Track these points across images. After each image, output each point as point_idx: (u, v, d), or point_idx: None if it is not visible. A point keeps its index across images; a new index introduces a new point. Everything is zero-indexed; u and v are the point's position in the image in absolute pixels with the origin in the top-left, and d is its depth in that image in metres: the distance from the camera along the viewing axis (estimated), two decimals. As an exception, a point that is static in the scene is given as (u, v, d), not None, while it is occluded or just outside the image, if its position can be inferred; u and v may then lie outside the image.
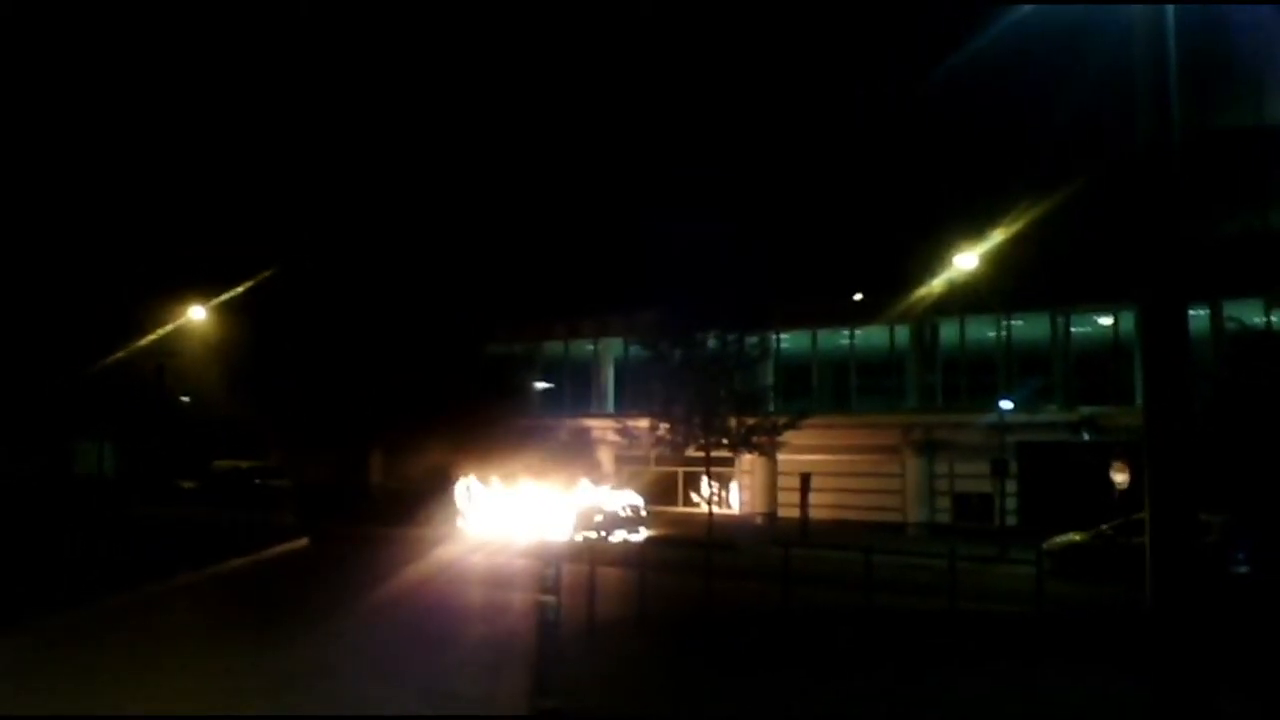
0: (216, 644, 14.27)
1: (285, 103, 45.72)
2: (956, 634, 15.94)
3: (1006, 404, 33.78)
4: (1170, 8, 6.18)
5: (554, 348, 49.51)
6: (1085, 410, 35.39)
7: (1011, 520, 33.96)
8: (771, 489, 42.32)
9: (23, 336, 41.64)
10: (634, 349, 41.79)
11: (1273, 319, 31.13)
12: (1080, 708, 11.51)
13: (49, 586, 16.29)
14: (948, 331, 40.43)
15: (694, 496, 42.93)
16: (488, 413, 38.26)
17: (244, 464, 44.56)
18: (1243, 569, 24.12)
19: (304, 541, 28.87)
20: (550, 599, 7.59)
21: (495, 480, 34.59)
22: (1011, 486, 35.29)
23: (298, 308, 44.77)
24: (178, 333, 43.49)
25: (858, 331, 42.65)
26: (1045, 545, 24.17)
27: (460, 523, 32.63)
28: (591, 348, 48.98)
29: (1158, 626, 5.38)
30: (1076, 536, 26.55)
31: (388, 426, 40.18)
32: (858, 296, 41.69)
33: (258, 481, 41.80)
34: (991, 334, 39.34)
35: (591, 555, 18.65)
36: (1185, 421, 5.75)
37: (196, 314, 42.23)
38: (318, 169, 46.05)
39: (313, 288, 45.37)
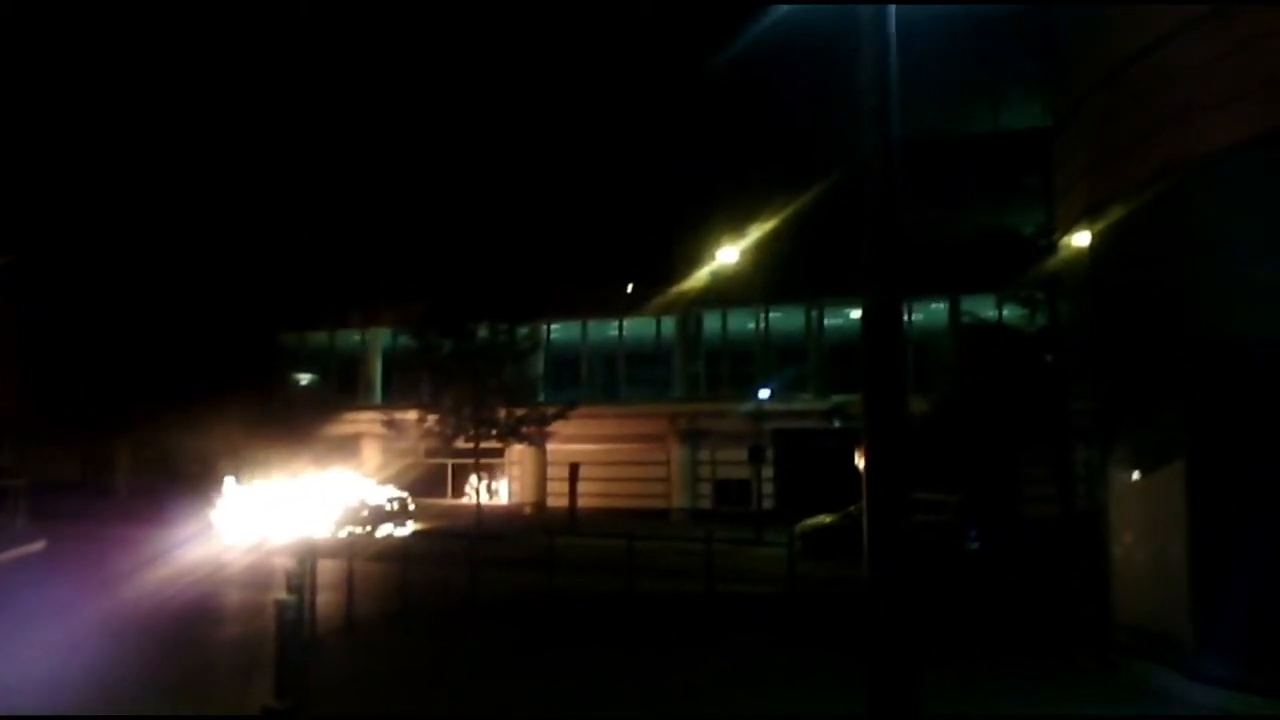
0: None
1: (36, 71, 42.30)
2: (709, 614, 16.50)
3: (764, 393, 35.20)
4: (892, 17, 6.56)
5: (320, 338, 48.05)
6: (836, 399, 37.24)
7: (769, 504, 35.42)
8: (541, 479, 42.55)
9: None
10: (402, 339, 41.13)
11: (1004, 313, 33.50)
12: (805, 675, 12.17)
13: None
14: (711, 323, 41.74)
15: (464, 489, 42.63)
16: (248, 405, 36.76)
17: (-30, 462, 41.13)
18: (974, 545, 26.04)
19: (40, 544, 26.93)
20: (290, 597, 7.40)
21: (254, 476, 33.28)
22: (768, 472, 36.81)
23: (37, 293, 41.65)
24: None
25: (626, 322, 43.40)
26: (797, 528, 25.34)
27: (216, 521, 31.20)
28: (359, 338, 47.81)
29: (871, 602, 5.77)
30: (826, 519, 27.98)
31: (135, 421, 37.97)
32: (628, 288, 42.43)
33: (-11, 482, 38.69)
34: (752, 325, 40.89)
35: (353, 551, 18.30)
36: (900, 405, 6.18)
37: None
38: (63, 144, 42.84)
39: (63, 263, 42.29)
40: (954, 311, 36.50)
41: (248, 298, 43.16)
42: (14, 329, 40.01)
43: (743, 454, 35.79)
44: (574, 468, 37.21)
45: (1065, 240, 17.63)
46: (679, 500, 40.36)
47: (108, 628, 15.04)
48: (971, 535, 26.36)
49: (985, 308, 34.25)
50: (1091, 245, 14.78)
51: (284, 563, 20.80)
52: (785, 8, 25.05)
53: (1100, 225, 14.21)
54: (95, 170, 42.77)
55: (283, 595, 7.30)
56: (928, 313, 37.04)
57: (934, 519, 25.19)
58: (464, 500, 41.19)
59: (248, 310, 43.12)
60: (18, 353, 40.05)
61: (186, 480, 35.44)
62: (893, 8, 6.56)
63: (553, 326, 43.64)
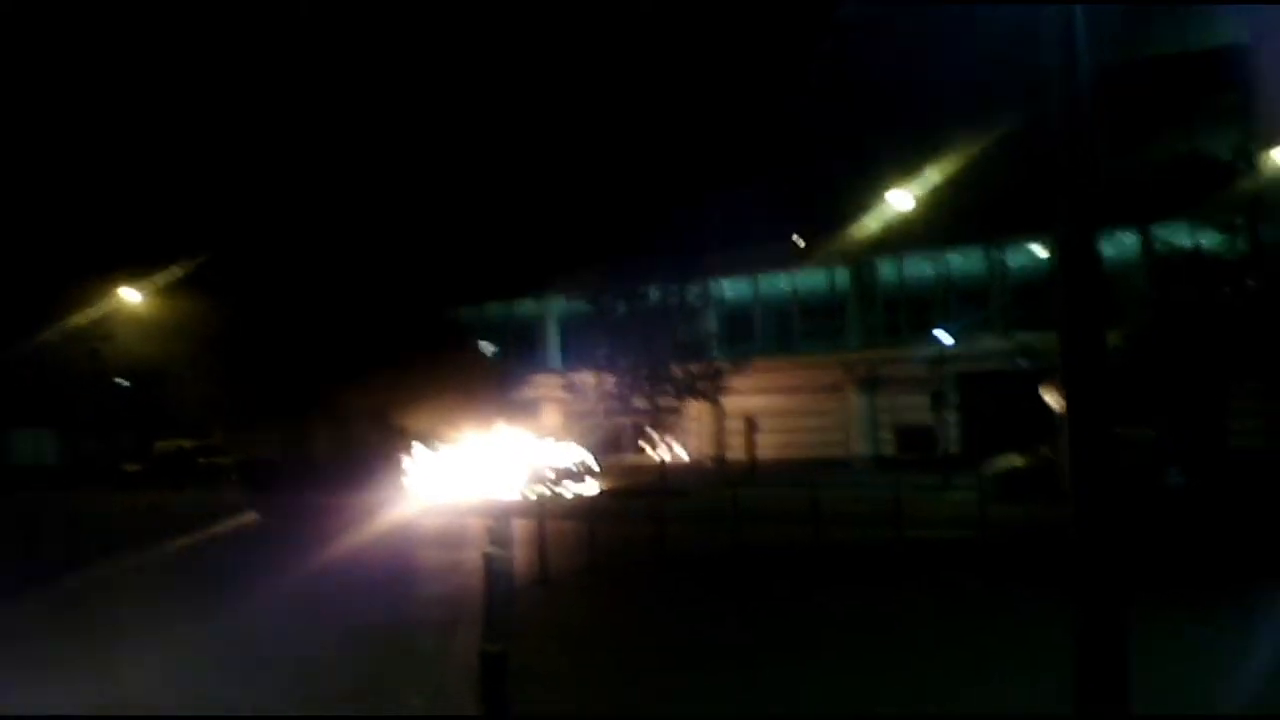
0: (171, 616, 14.23)
1: (221, 76, 44.67)
2: (901, 560, 16.31)
3: (944, 337, 34.33)
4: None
5: (497, 308, 49.30)
6: (1021, 337, 36.01)
7: (954, 449, 34.64)
8: (720, 433, 42.71)
9: None
10: (577, 304, 41.83)
11: (1199, 240, 31.76)
12: (1010, 621, 11.88)
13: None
14: (886, 270, 40.89)
15: (644, 446, 43.18)
16: (433, 376, 38.10)
17: (187, 444, 44.08)
18: (1177, 480, 24.83)
19: (251, 516, 28.71)
20: (498, 550, 7.72)
21: (443, 442, 34.57)
22: (952, 417, 35.97)
23: (233, 282, 44.11)
24: (112, 315, 42.71)
25: (798, 274, 42.95)
26: (986, 471, 24.72)
27: (409, 486, 32.58)
28: (534, 306, 48.87)
29: (1078, 543, 5.59)
30: (1015, 460, 27.15)
31: (331, 395, 39.90)
32: (797, 240, 41.94)
33: (202, 460, 41.44)
34: (929, 269, 39.86)
35: (541, 510, 18.82)
36: (1099, 342, 5.93)
37: (129, 295, 41.45)
38: (252, 141, 45.09)
39: (248, 261, 44.68)
40: (1146, 241, 34.68)
41: (427, 273, 44.56)
42: (214, 321, 42.55)
43: (924, 400, 35.08)
44: (751, 420, 37.22)
45: (1266, 160, 16.63)
46: (860, 448, 39.90)
47: (320, 587, 15.94)
48: (1173, 471, 25.15)
49: (1180, 236, 32.50)
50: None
51: (475, 523, 21.61)
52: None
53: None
54: (275, 164, 44.78)
55: (490, 549, 7.61)
56: (1117, 243, 35.33)
57: (1133, 455, 24.13)
58: (645, 457, 41.75)
59: (428, 285, 44.52)
60: (220, 342, 42.61)
61: (380, 449, 37.06)
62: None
63: (724, 283, 43.57)
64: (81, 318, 41.94)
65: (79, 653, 11.80)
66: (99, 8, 42.57)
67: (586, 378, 35.69)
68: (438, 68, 43.25)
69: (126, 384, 47.17)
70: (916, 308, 40.68)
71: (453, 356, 42.17)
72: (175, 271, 42.03)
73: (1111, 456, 5.98)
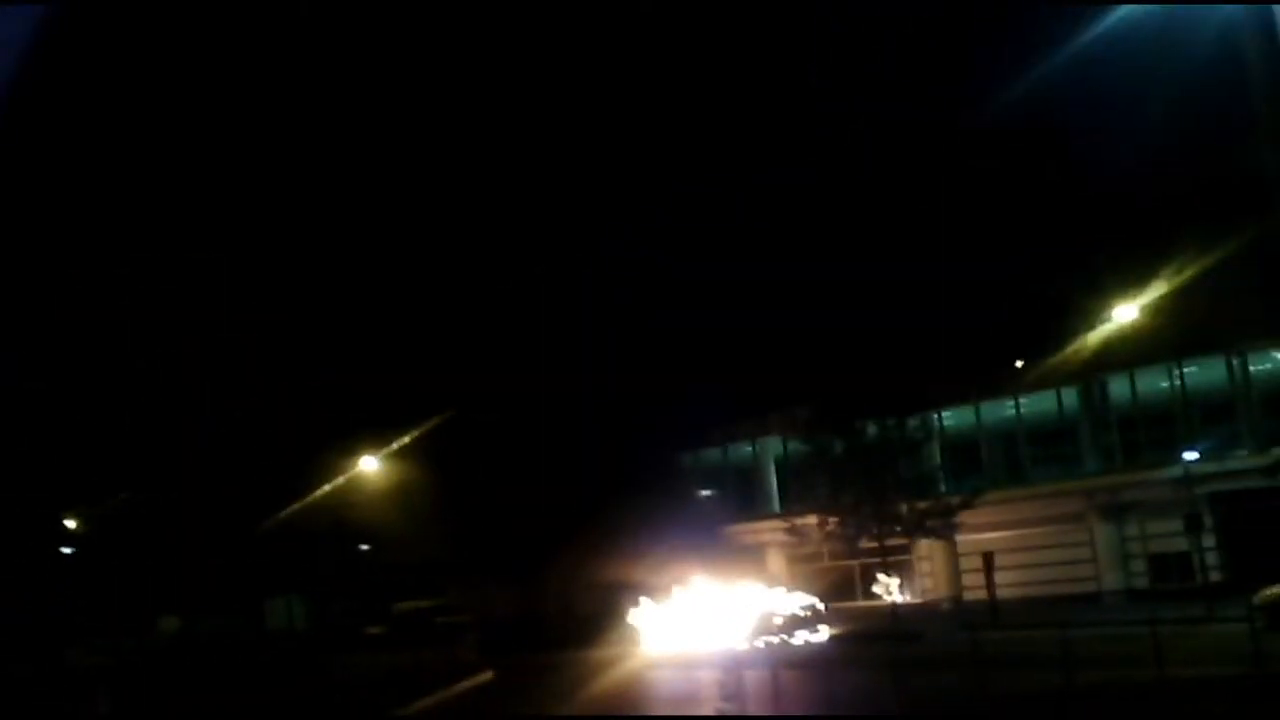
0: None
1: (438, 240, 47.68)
2: (1167, 703, 14.96)
3: (1192, 455, 32.13)
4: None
5: (713, 454, 49.40)
6: (1278, 451, 33.30)
7: (1215, 576, 31.97)
8: (954, 572, 40.90)
9: (206, 503, 43.83)
10: (794, 445, 41.45)
11: None
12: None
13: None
14: (1118, 387, 38.82)
15: (875, 589, 41.80)
16: (658, 526, 38.30)
17: (425, 604, 45.46)
18: None
19: (488, 675, 29.14)
20: (729, 706, 7.53)
21: (670, 593, 34.45)
22: (1210, 541, 33.29)
23: (467, 447, 45.96)
24: (352, 482, 45.07)
25: (1023, 399, 41.33)
26: (1256, 599, 22.66)
27: (639, 639, 32.49)
28: (751, 449, 48.71)
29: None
30: (1289, 587, 24.76)
31: (559, 552, 40.61)
32: (1019, 363, 40.56)
33: (439, 620, 42.56)
34: (1165, 384, 37.65)
35: (773, 659, 18.34)
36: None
37: (368, 463, 43.75)
38: (482, 309, 47.50)
39: (482, 425, 46.55)
40: None
41: (647, 422, 45.26)
42: (451, 481, 44.28)
43: (1176, 524, 32.61)
44: (988, 557, 35.47)
45: None
46: (1110, 581, 37.29)
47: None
48: None
49: None
50: None
51: (707, 675, 21.23)
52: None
53: None
54: (501, 335, 46.95)
55: (724, 706, 7.45)
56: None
57: None
58: (875, 601, 40.33)
59: (648, 434, 45.18)
60: (450, 504, 44.23)
61: (609, 603, 37.24)
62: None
63: (945, 413, 42.36)
64: (325, 487, 44.46)
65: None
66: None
67: (809, 520, 35.05)
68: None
69: (367, 548, 49.37)
70: (1155, 426, 38.28)
71: (676, 505, 42.35)
72: (406, 438, 44.12)
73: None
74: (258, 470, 44.32)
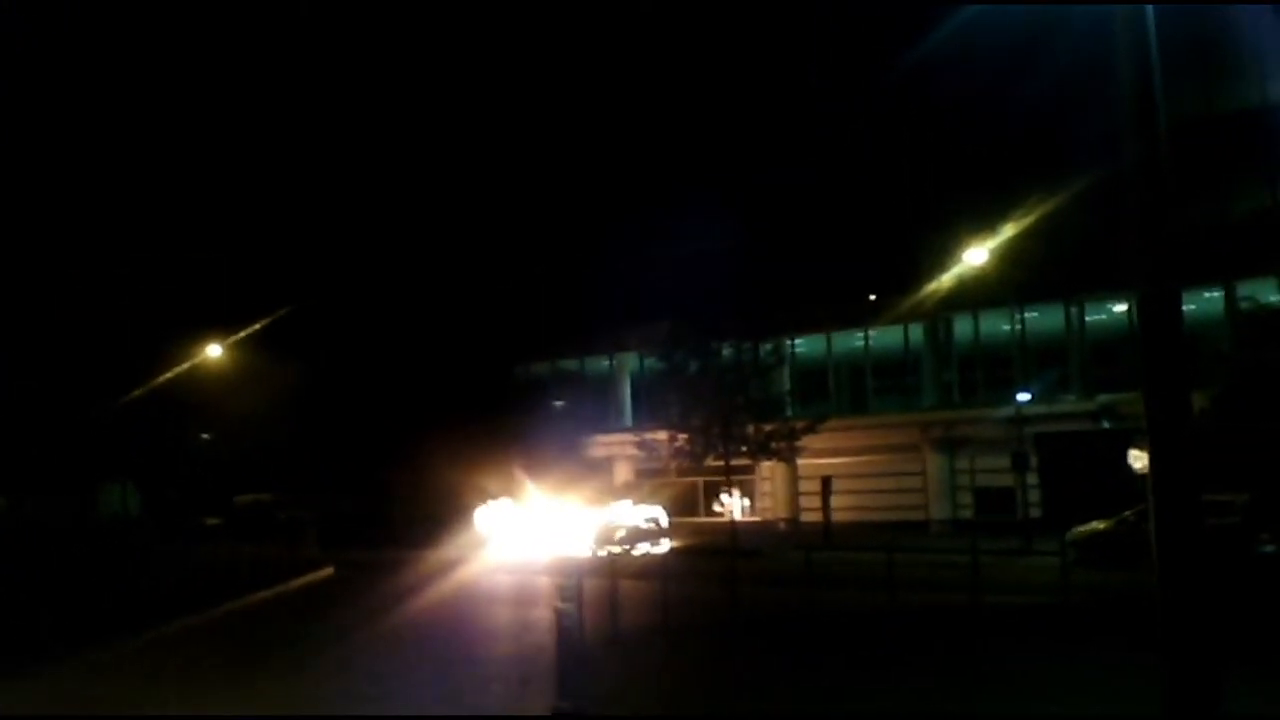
0: (245, 672, 14.40)
1: (300, 140, 46.21)
2: (979, 626, 15.93)
3: (1024, 396, 33.74)
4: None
5: (570, 365, 49.62)
6: (1103, 398, 35.27)
7: (1035, 512, 33.88)
8: (793, 494, 42.32)
9: (42, 379, 41.97)
10: (650, 363, 41.92)
11: (1287, 297, 31.04)
12: (1099, 693, 11.50)
13: (80, 625, 16.45)
14: (962, 327, 40.39)
15: (716, 506, 42.91)
16: (507, 434, 38.39)
17: (266, 498, 44.77)
18: (1268, 548, 23.97)
19: (329, 571, 29.02)
20: (569, 606, 7.71)
21: (516, 500, 34.71)
22: (1033, 479, 35.21)
23: (317, 339, 45.09)
24: (197, 369, 43.76)
25: (872, 332, 42.63)
26: (1069, 535, 24.16)
27: (482, 543, 32.72)
28: (607, 364, 49.07)
29: (1166, 611, 5.43)
30: (1100, 525, 26.47)
31: (407, 452, 40.33)
32: (871, 297, 41.69)
33: (281, 514, 41.99)
34: (1006, 327, 39.32)
35: (614, 569, 18.74)
36: (1184, 406, 5.80)
37: (214, 351, 42.50)
38: (334, 201, 46.37)
39: (333, 319, 45.68)
40: (1230, 298, 33.94)
41: (502, 329, 45.12)
42: (292, 376, 43.39)
43: (1004, 461, 34.37)
44: (826, 481, 36.81)
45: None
46: (937, 511, 39.17)
47: (396, 641, 16.02)
48: (1264, 537, 24.26)
49: (1266, 292, 31.73)
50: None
51: (547, 581, 21.61)
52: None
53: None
54: (354, 225, 45.95)
55: (563, 605, 7.60)
56: (1200, 301, 34.56)
57: (1221, 521, 23.37)
58: (717, 517, 41.45)
59: (502, 341, 45.06)
60: (298, 398, 43.41)
61: (455, 506, 37.29)
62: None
63: (797, 341, 43.38)
64: (169, 374, 43.07)
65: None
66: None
67: (659, 435, 35.63)
68: (507, 124, 44.14)
69: (209, 438, 48.17)
70: (993, 366, 40.06)
71: (526, 413, 42.46)
72: (256, 328, 43.02)
73: (1198, 521, 5.82)
74: (95, 352, 42.57)
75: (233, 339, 43.00)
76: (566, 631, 7.43)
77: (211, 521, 42.96)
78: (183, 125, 46.02)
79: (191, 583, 21.13)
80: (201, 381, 44.17)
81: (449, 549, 31.88)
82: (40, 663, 14.50)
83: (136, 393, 42.55)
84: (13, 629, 15.08)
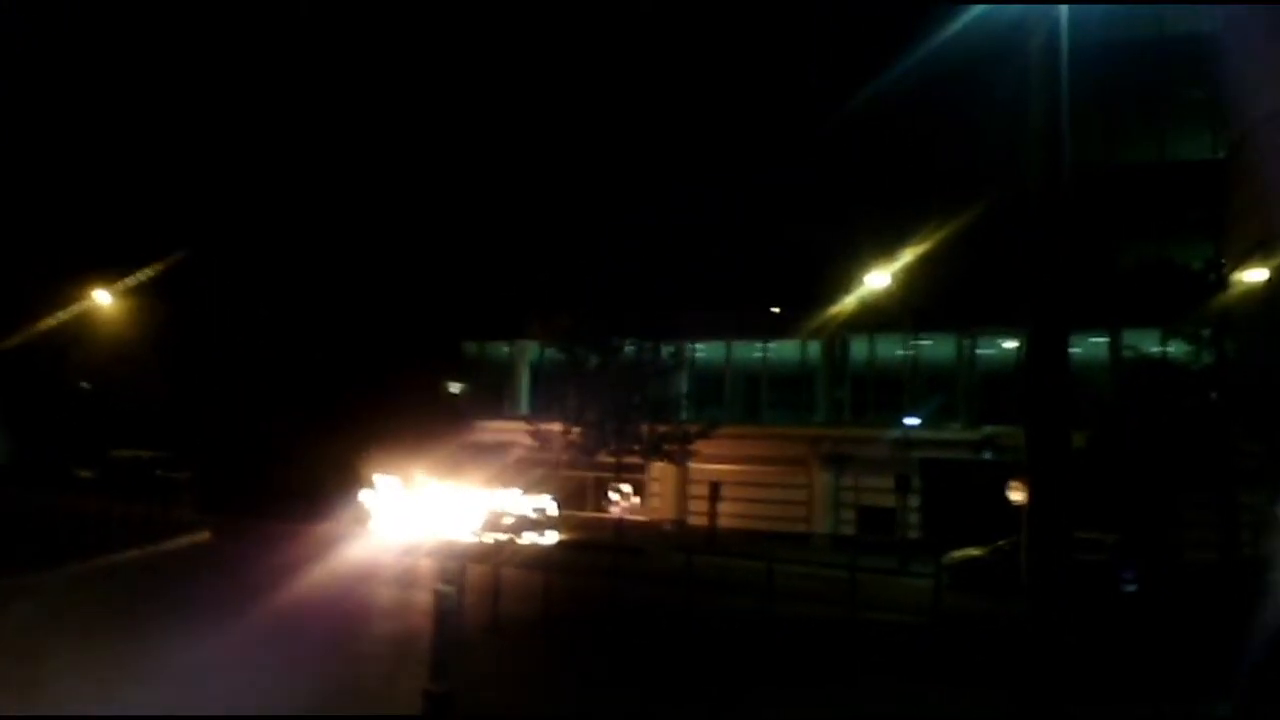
0: (107, 637, 14.00)
1: (188, 75, 44.81)
2: (851, 642, 16.31)
3: (912, 420, 34.57)
4: (1064, 43, 6.50)
5: (470, 348, 49.26)
6: (987, 430, 36.29)
7: (914, 534, 34.74)
8: (682, 496, 42.63)
9: None
10: (550, 353, 41.86)
11: (1168, 349, 32.28)
12: (948, 710, 11.89)
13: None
14: (858, 348, 41.19)
15: (604, 501, 43.04)
16: (399, 410, 37.96)
17: (144, 454, 43.48)
18: (1130, 587, 25.00)
19: (205, 534, 28.35)
20: (449, 589, 7.70)
21: (404, 479, 34.34)
22: (915, 501, 36.10)
23: (208, 293, 43.94)
24: (84, 318, 42.38)
25: (771, 345, 43.21)
26: (944, 559, 24.81)
27: (366, 520, 32.30)
28: (507, 350, 48.84)
29: (1028, 640, 5.67)
30: (975, 551, 27.32)
31: (295, 421, 39.60)
32: (774, 310, 42.21)
33: (158, 473, 40.83)
34: (900, 352, 40.23)
35: (499, 556, 18.73)
36: (1063, 442, 6.06)
37: (101, 297, 41.17)
38: (228, 149, 45.12)
39: (225, 273, 44.53)
40: (1115, 345, 35.26)
41: (402, 306, 44.54)
42: (180, 330, 42.28)
43: (888, 481, 35.19)
44: (714, 486, 37.23)
45: (1235, 275, 16.98)
46: (820, 525, 39.89)
47: (268, 612, 15.75)
48: (1127, 577, 25.32)
49: (1148, 342, 33.02)
50: (1270, 280, 14.12)
51: (430, 564, 21.45)
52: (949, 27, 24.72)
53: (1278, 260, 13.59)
54: (249, 173, 44.78)
55: (442, 587, 7.59)
56: (1085, 345, 35.86)
57: (1090, 558, 24.30)
58: (604, 513, 41.59)
59: (400, 318, 44.47)
60: (185, 353, 42.31)
61: (340, 480, 36.75)
62: (1065, 32, 6.47)
63: (697, 346, 43.76)
64: (51, 319, 41.60)
65: None
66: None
67: (554, 426, 35.65)
68: (428, 93, 43.60)
69: (88, 387, 46.62)
70: (885, 389, 40.95)
71: (420, 392, 42.08)
72: (145, 276, 41.79)
73: (1067, 555, 6.08)
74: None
75: (120, 286, 41.71)
76: (445, 614, 7.42)
77: (84, 474, 41.62)
78: (90, 57, 44.37)
79: (54, 535, 20.41)
80: (87, 329, 42.80)
81: (332, 523, 31.39)
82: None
83: (14, 338, 40.99)
84: None
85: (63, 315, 41.86)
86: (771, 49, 39.25)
